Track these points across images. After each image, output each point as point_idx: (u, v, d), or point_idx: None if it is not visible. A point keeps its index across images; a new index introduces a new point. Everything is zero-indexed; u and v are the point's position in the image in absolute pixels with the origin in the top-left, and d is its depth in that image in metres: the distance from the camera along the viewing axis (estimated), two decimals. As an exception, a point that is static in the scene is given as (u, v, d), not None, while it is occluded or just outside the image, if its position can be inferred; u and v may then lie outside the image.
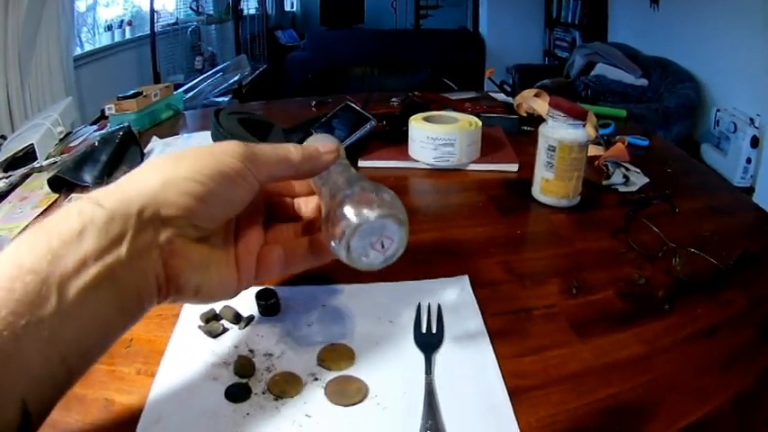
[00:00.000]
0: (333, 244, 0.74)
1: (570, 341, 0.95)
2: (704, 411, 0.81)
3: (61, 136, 2.08)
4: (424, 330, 0.96)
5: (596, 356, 0.91)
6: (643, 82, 6.12)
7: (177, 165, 0.69)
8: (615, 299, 1.07)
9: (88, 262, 0.59)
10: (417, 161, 1.71)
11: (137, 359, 0.91)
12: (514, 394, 0.82)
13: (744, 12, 5.15)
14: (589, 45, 7.24)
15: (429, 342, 0.93)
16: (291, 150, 0.79)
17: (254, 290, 1.02)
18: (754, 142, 4.87)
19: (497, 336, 0.95)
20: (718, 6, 5.51)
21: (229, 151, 0.73)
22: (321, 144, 0.82)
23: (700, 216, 1.45)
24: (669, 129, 5.42)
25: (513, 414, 0.79)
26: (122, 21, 7.26)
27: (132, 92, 2.31)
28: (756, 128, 4.87)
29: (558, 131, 1.39)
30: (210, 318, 0.99)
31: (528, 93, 2.13)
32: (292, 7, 12.92)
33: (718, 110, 5.37)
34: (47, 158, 1.88)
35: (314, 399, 0.82)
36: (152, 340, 0.95)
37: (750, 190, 4.84)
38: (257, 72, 7.43)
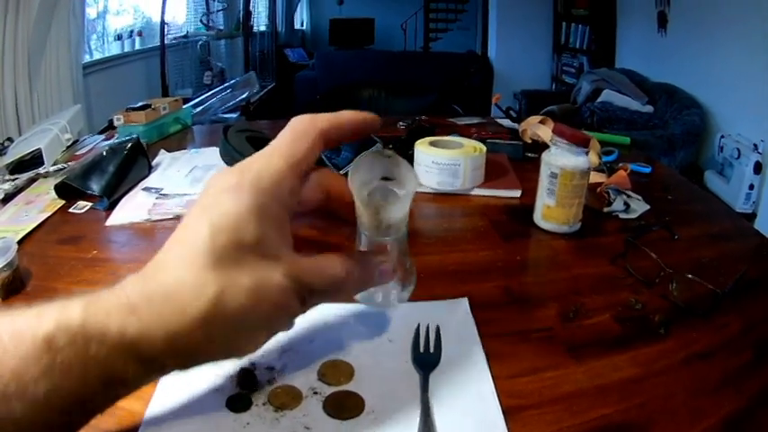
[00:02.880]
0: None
1: (565, 363, 0.97)
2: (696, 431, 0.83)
3: (69, 143, 2.11)
4: (421, 350, 0.98)
5: (590, 378, 0.93)
6: (649, 109, 6.14)
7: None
8: (611, 323, 1.09)
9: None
10: (422, 185, 1.73)
11: None
12: (509, 413, 0.84)
13: (748, 37, 5.18)
14: (596, 71, 7.26)
15: (426, 361, 0.95)
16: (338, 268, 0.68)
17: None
18: (758, 168, 4.88)
19: (494, 357, 0.97)
20: (724, 32, 5.55)
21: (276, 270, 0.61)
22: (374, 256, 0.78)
23: (699, 243, 1.47)
24: (674, 155, 5.44)
25: None
26: (132, 31, 7.29)
27: (141, 104, 2.33)
28: (759, 153, 4.90)
29: (561, 158, 1.41)
30: None
31: (533, 119, 2.17)
32: (302, 26, 13.01)
33: (722, 136, 5.39)
34: (54, 164, 1.90)
35: (313, 412, 0.85)
36: None
37: (752, 216, 4.85)
38: (265, 90, 7.45)
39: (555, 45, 9.61)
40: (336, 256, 0.69)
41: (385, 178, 0.78)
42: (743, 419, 0.86)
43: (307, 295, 0.64)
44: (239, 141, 1.78)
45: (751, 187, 4.93)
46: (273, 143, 0.67)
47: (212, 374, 0.92)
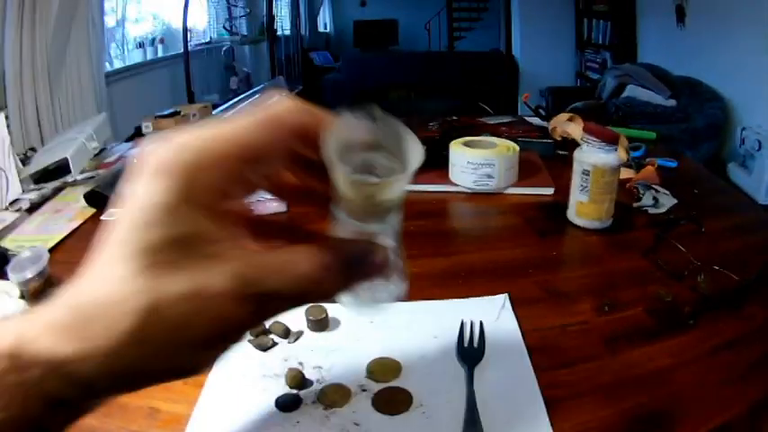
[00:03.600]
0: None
1: (602, 355, 1.02)
2: (724, 418, 0.87)
3: (95, 151, 2.11)
4: (466, 345, 1.02)
5: (626, 368, 0.98)
6: (672, 103, 6.12)
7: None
8: (644, 315, 1.13)
9: None
10: (457, 185, 1.77)
11: None
12: (550, 404, 0.88)
13: (766, 28, 5.17)
14: (620, 67, 7.23)
15: (471, 356, 0.99)
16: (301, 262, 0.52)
17: (303, 306, 1.02)
18: (778, 159, 4.87)
19: (534, 350, 1.01)
20: (742, 24, 5.55)
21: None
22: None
23: (725, 235, 1.50)
24: (697, 148, 5.43)
25: (548, 421, 0.85)
26: (154, 38, 7.31)
27: (170, 111, 2.36)
28: (781, 144, 4.88)
29: (592, 156, 1.44)
30: (260, 332, 1.04)
31: (562, 117, 2.20)
32: (326, 28, 12.99)
33: (743, 128, 5.40)
34: (81, 173, 1.92)
35: (362, 408, 0.88)
36: None
37: (774, 208, 4.82)
38: (293, 93, 7.48)
39: (578, 41, 9.58)
40: (305, 248, 0.52)
41: (374, 148, 0.56)
42: (766, 407, 0.90)
43: (259, 301, 0.49)
44: None
45: (772, 178, 4.92)
46: (237, 120, 0.51)
47: (260, 375, 0.95)
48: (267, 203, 1.57)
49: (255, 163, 0.51)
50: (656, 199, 1.66)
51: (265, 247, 0.55)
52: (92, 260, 0.49)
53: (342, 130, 0.53)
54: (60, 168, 1.90)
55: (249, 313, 0.49)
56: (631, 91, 6.44)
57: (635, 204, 1.65)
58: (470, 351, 1.01)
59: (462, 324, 1.06)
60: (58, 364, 0.45)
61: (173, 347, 0.48)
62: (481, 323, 1.07)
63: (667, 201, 1.67)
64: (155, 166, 0.47)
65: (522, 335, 1.06)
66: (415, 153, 0.54)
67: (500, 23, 10.86)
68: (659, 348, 1.03)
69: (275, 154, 0.53)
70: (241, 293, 0.47)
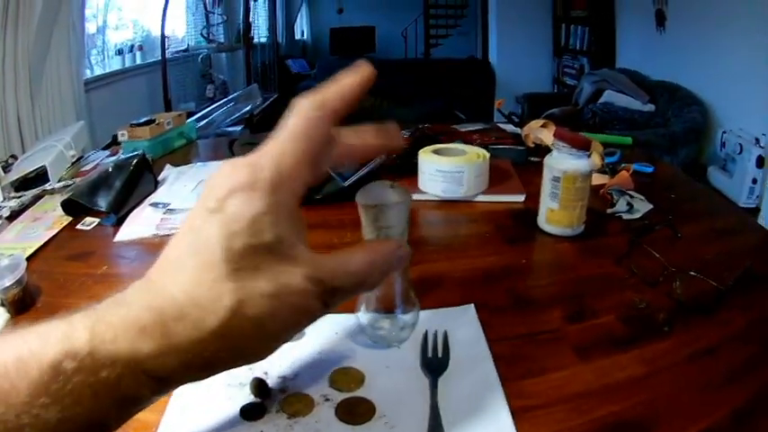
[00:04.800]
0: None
1: (572, 363, 0.99)
2: (703, 426, 0.84)
3: (73, 159, 2.12)
4: (429, 355, 1.00)
5: (597, 377, 0.95)
6: (650, 108, 6.14)
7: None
8: (616, 323, 1.11)
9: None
10: (427, 193, 1.75)
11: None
12: (517, 414, 0.86)
13: (746, 32, 5.20)
14: (597, 72, 7.26)
15: (434, 367, 0.97)
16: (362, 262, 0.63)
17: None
18: (760, 162, 4.89)
19: (502, 360, 0.99)
20: (722, 27, 5.56)
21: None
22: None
23: (702, 240, 1.48)
24: (676, 153, 5.44)
25: None
26: (133, 45, 7.30)
27: (145, 119, 2.33)
28: (762, 147, 4.91)
29: (563, 162, 1.42)
30: None
31: (535, 124, 2.18)
32: (303, 36, 13.00)
33: (724, 131, 5.41)
34: (59, 181, 1.92)
35: (325, 418, 0.87)
36: None
37: (756, 210, 4.83)
38: (268, 101, 7.45)
39: (555, 47, 9.62)
40: (358, 250, 0.64)
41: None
42: (749, 414, 0.87)
43: (329, 296, 0.58)
44: (245, 154, 1.78)
45: (754, 181, 4.94)
46: (285, 133, 0.58)
47: (225, 384, 0.94)
48: None
49: (316, 164, 0.60)
50: (630, 204, 1.64)
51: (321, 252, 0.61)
52: (167, 263, 0.55)
53: (368, 191, 0.89)
54: (39, 176, 1.92)
55: (320, 305, 0.57)
56: (609, 96, 6.46)
57: (608, 210, 1.63)
58: (434, 362, 0.99)
59: (426, 334, 1.05)
60: (138, 363, 0.50)
61: (252, 340, 0.55)
62: (445, 333, 1.06)
63: (642, 206, 1.65)
64: (236, 183, 0.54)
65: (489, 344, 1.03)
66: (408, 194, 0.90)
67: (477, 30, 10.90)
68: (633, 356, 1.01)
69: (328, 146, 0.62)
70: (314, 291, 0.55)
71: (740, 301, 1.15)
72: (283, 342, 0.58)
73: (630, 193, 1.71)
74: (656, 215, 1.61)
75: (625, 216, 1.61)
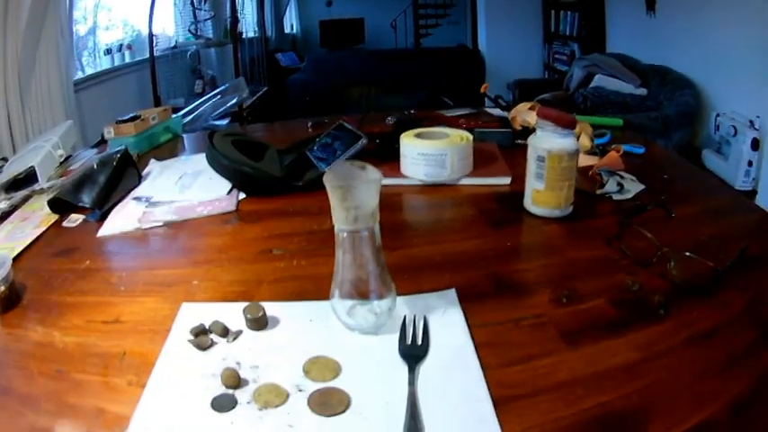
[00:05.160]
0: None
1: (559, 350, 0.94)
2: (702, 416, 0.79)
3: (62, 159, 2.09)
4: (408, 342, 0.96)
5: (586, 365, 0.90)
6: (642, 91, 6.12)
7: None
8: (607, 306, 1.06)
9: None
10: (409, 177, 1.71)
11: (129, 371, 0.93)
12: (500, 404, 0.81)
13: (737, 13, 5.16)
14: (587, 57, 7.24)
15: (413, 354, 0.93)
16: None
17: (242, 305, 1.04)
18: (755, 144, 4.85)
19: (484, 347, 0.94)
20: (713, 9, 5.52)
21: None
22: None
23: (697, 220, 1.44)
24: (670, 137, 5.41)
25: (497, 424, 0.78)
26: (122, 45, 7.28)
27: (130, 115, 2.32)
28: (756, 129, 4.87)
29: (547, 141, 1.38)
30: (200, 332, 1.00)
31: (522, 106, 2.15)
32: (292, 29, 13.01)
33: (717, 114, 5.37)
34: (48, 180, 1.89)
35: (297, 409, 0.83)
36: (144, 353, 0.97)
37: (753, 193, 4.81)
38: (258, 95, 7.43)
39: (545, 34, 9.60)
40: None
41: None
42: (751, 402, 0.82)
43: None
44: (225, 145, 1.76)
45: (750, 164, 4.90)
46: None
47: (199, 375, 0.91)
48: (217, 203, 1.60)
49: None
50: (620, 185, 1.59)
51: None
52: None
53: (337, 168, 0.90)
54: (29, 177, 1.90)
55: None
56: (599, 81, 6.43)
57: (598, 191, 1.58)
58: (413, 349, 0.95)
59: (405, 320, 1.01)
60: None
61: None
62: (425, 319, 1.02)
63: (634, 187, 1.60)
64: None
65: (470, 331, 0.99)
66: (377, 173, 0.89)
67: (466, 18, 10.89)
68: (625, 342, 0.96)
69: None
70: None
71: (738, 283, 1.10)
72: None
73: (621, 173, 1.66)
74: (648, 196, 1.56)
75: (615, 197, 1.56)
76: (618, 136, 2.12)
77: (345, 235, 0.93)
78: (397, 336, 0.97)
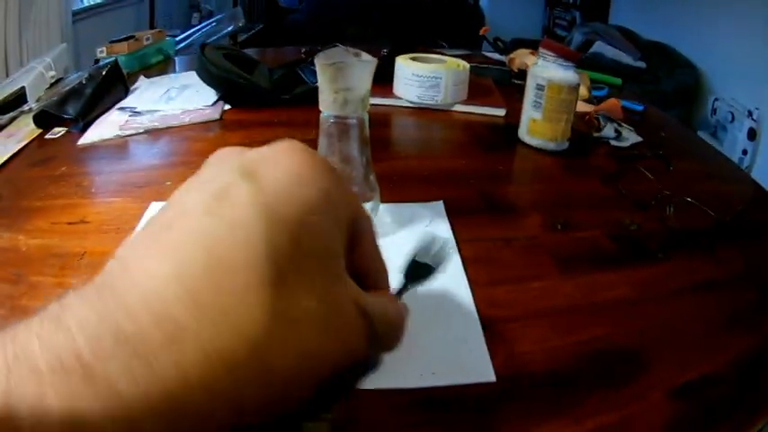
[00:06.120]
0: None
1: (551, 274, 0.89)
2: (706, 369, 0.73)
3: (53, 81, 2.05)
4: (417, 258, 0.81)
5: (581, 294, 0.85)
6: (641, 64, 6.08)
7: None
8: (604, 239, 1.00)
9: None
10: (401, 99, 1.68)
11: (86, 271, 0.89)
12: (489, 325, 0.75)
13: (745, 3, 5.10)
14: (589, 24, 7.21)
15: (418, 274, 0.78)
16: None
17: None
18: (752, 135, 4.85)
19: (472, 262, 0.89)
20: (721, -4, 5.48)
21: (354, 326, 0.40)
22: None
23: (694, 177, 1.38)
24: (666, 112, 5.38)
25: (485, 346, 0.72)
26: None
27: (124, 36, 2.33)
28: (754, 120, 4.85)
29: (548, 71, 1.34)
30: None
31: (523, 51, 2.12)
32: (292, -31, 12.95)
33: (716, 99, 5.35)
34: (37, 101, 1.85)
35: None
36: (105, 252, 0.93)
37: (744, 182, 4.79)
38: (253, 32, 7.41)
39: (547, -2, 9.58)
40: (387, 298, 0.47)
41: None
42: (756, 360, 0.76)
43: (374, 340, 0.42)
44: (215, 57, 1.72)
45: (744, 152, 4.88)
46: None
47: None
48: (200, 111, 1.57)
49: None
50: (618, 132, 1.53)
51: None
52: (141, 254, 0.35)
53: (330, 52, 0.83)
54: (19, 98, 1.85)
55: (365, 347, 0.41)
56: (599, 47, 6.39)
57: (595, 134, 1.52)
58: (420, 268, 0.79)
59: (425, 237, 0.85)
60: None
61: (286, 376, 0.35)
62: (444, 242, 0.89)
63: (631, 136, 1.54)
64: (295, 153, 0.41)
65: (457, 245, 0.93)
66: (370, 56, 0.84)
67: (470, -29, 10.84)
68: (622, 277, 0.90)
69: None
70: (361, 325, 0.40)
71: (737, 245, 1.05)
72: (318, 397, 0.39)
73: (619, 122, 1.60)
74: (645, 148, 1.50)
75: (613, 142, 1.50)
76: (615, 94, 2.04)
77: (332, 121, 0.87)
78: (382, 242, 0.89)
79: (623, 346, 0.75)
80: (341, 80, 0.82)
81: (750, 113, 4.77)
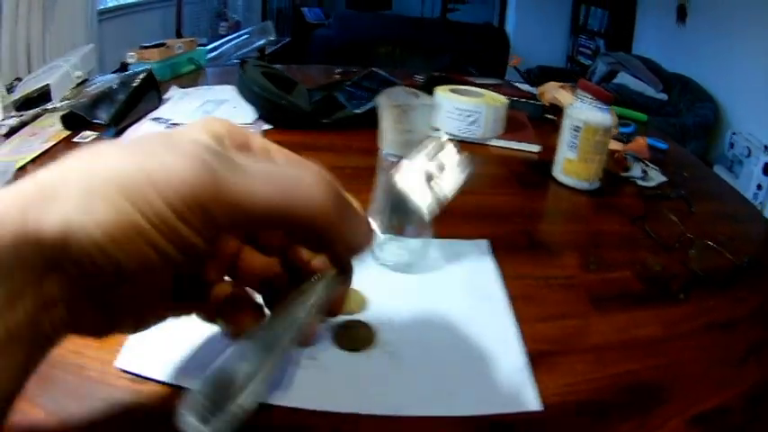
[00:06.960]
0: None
1: (588, 313, 0.95)
2: (721, 399, 0.79)
3: (79, 81, 2.05)
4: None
5: (615, 331, 0.90)
6: (663, 96, 6.10)
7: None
8: (633, 279, 1.06)
9: None
10: (441, 131, 1.68)
11: None
12: (534, 358, 0.81)
13: (765, 39, 5.13)
14: (612, 54, 7.21)
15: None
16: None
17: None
18: (767, 169, 4.85)
19: (517, 299, 0.94)
20: (743, 31, 5.49)
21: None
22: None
23: (714, 219, 1.44)
24: (685, 145, 5.35)
25: (531, 378, 0.77)
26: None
27: (156, 42, 2.31)
28: (771, 156, 4.84)
29: (585, 113, 1.39)
30: None
31: (552, 84, 2.16)
32: (320, -14, 12.98)
33: (733, 133, 5.36)
34: (62, 100, 1.86)
35: (321, 342, 0.81)
36: None
37: (758, 216, 4.80)
38: (281, 44, 7.43)
39: (573, 26, 9.55)
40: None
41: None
42: (766, 392, 0.82)
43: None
44: (255, 74, 1.76)
45: (759, 187, 4.89)
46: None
47: None
48: None
49: None
50: (645, 172, 1.59)
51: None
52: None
53: (390, 93, 0.85)
54: (43, 96, 1.86)
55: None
56: (622, 78, 6.40)
57: (623, 174, 1.58)
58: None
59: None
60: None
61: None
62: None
63: (657, 176, 1.60)
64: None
65: (504, 282, 0.98)
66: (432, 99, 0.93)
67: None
68: (651, 316, 0.96)
69: None
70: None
71: (753, 284, 1.11)
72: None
73: (645, 161, 1.66)
74: (670, 188, 1.56)
75: (640, 182, 1.56)
76: (641, 130, 2.10)
77: (393, 161, 0.89)
78: (425, 277, 0.97)
79: (650, 380, 0.81)
80: (405, 122, 0.85)
81: (766, 148, 4.78)
